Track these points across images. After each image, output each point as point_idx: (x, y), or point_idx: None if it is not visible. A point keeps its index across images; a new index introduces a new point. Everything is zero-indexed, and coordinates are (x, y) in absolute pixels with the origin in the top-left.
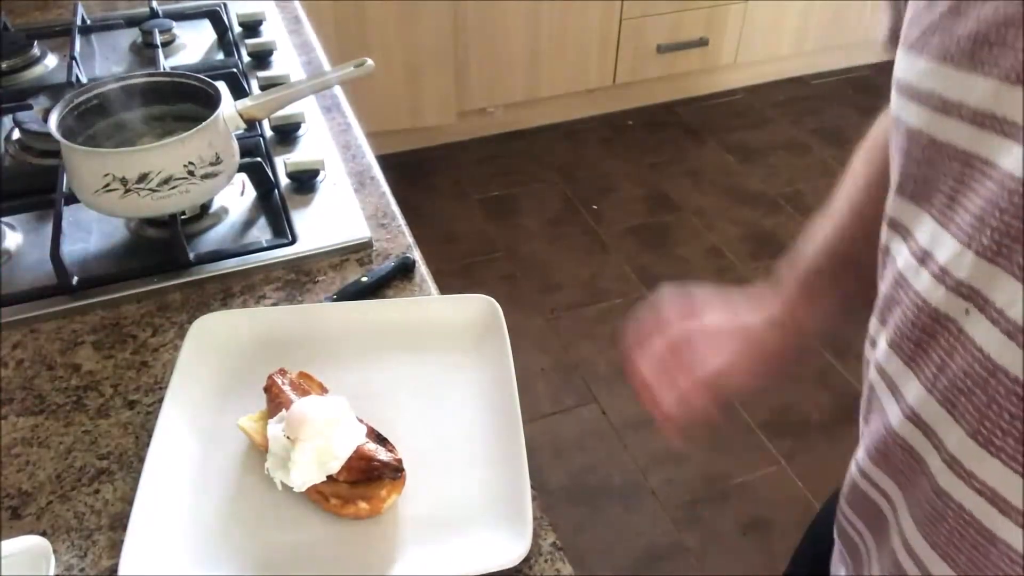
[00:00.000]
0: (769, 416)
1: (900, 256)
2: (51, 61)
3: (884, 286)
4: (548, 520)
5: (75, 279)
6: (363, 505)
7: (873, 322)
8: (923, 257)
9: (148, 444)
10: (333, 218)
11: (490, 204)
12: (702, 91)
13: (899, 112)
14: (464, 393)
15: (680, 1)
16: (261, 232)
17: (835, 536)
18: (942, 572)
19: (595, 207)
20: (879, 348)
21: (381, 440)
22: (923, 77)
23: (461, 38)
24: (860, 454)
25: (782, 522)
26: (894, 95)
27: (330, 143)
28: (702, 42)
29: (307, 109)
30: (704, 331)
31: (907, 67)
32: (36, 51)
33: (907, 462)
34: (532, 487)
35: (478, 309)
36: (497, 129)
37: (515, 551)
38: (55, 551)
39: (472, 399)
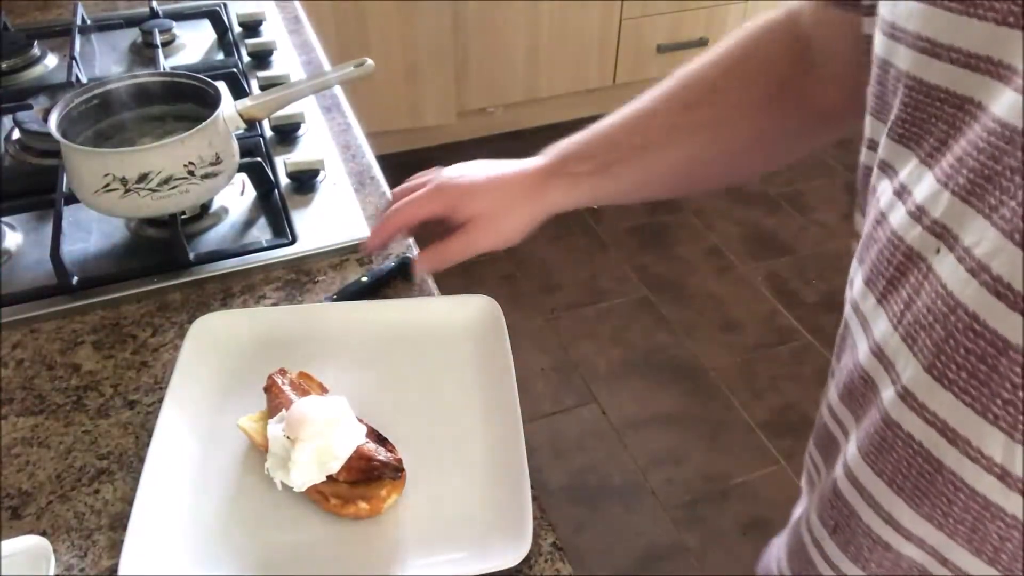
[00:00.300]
0: (769, 416)
1: (884, 196)
2: (51, 61)
3: (866, 225)
4: (548, 520)
5: (75, 279)
6: (363, 505)
7: (853, 262)
8: (902, 193)
9: (148, 444)
10: (333, 218)
11: None
12: None
13: (887, 55)
14: (464, 393)
15: (680, 1)
16: (261, 232)
17: (803, 480)
18: (886, 499)
19: (595, 207)
20: (855, 286)
21: (381, 440)
22: (912, 19)
23: (461, 38)
24: (830, 392)
25: (782, 522)
26: (880, 38)
27: (330, 143)
28: (702, 42)
29: (307, 109)
30: (458, 182)
31: (894, 8)
32: (36, 51)
33: (865, 395)
34: (532, 487)
35: (478, 309)
36: (497, 129)
37: (515, 551)
38: (55, 551)
39: (472, 399)
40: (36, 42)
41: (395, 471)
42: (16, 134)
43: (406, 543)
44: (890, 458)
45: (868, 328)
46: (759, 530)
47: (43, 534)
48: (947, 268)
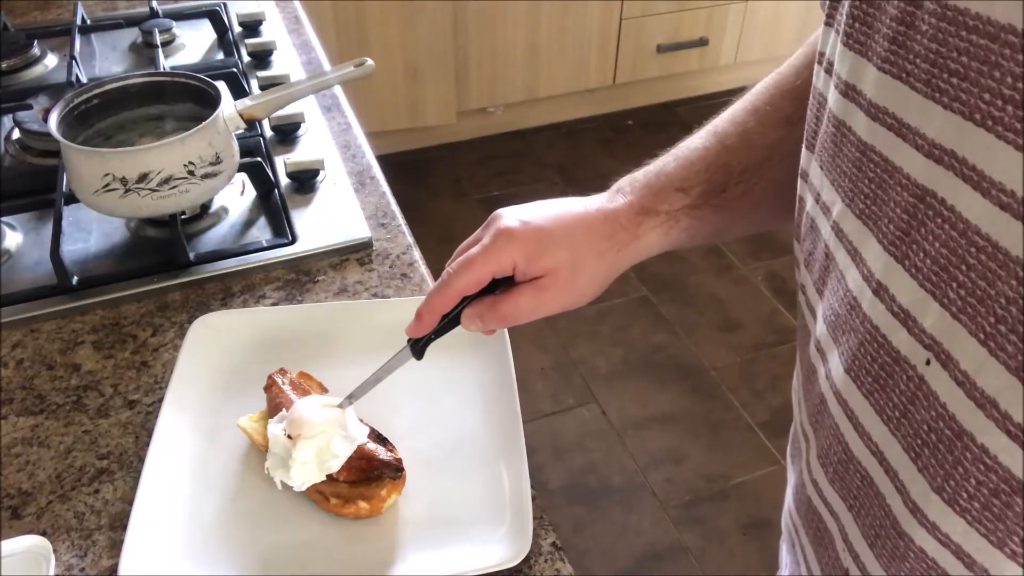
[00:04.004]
0: (769, 416)
1: (849, 275)
2: (51, 61)
3: (832, 299)
4: (548, 520)
5: (75, 279)
6: (363, 505)
7: (822, 331)
8: (878, 289)
9: (148, 444)
10: (333, 218)
11: (490, 204)
12: (702, 91)
13: (845, 117)
14: (464, 393)
15: (680, 1)
16: (261, 232)
17: (784, 529)
18: None
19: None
20: (834, 368)
21: (381, 440)
22: (874, 89)
23: (461, 38)
24: (813, 466)
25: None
26: (836, 96)
27: (330, 143)
28: (702, 42)
29: (307, 109)
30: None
31: (855, 70)
32: (36, 51)
33: (866, 492)
34: (532, 487)
35: None
36: (497, 129)
37: (515, 551)
38: (55, 551)
39: (472, 399)
40: (36, 42)
41: (395, 471)
42: (16, 134)
43: (406, 543)
44: (904, 567)
45: (857, 422)
46: (759, 530)
47: (43, 534)
48: (945, 388)
